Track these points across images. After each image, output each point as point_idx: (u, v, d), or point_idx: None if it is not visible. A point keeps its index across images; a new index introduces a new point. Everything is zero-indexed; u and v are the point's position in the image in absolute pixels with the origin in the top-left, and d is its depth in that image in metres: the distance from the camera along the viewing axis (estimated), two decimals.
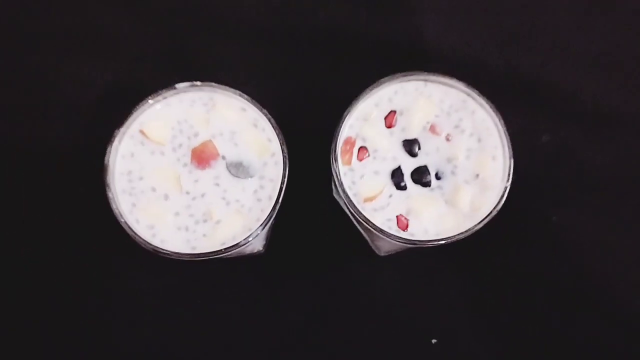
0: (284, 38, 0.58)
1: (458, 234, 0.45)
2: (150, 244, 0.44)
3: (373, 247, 0.54)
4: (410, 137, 0.47)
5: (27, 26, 0.59)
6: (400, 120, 0.47)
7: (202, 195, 0.45)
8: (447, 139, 0.47)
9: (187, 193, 0.45)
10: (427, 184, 0.46)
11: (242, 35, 0.58)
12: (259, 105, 0.47)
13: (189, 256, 0.44)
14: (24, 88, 0.57)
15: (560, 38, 0.59)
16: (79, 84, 0.57)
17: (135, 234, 0.44)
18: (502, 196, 0.45)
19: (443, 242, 0.45)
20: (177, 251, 0.44)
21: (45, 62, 0.58)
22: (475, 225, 0.45)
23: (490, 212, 0.45)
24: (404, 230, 0.45)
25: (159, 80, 0.47)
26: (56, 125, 0.56)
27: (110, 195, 0.44)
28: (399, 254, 0.54)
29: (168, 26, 0.59)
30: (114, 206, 0.44)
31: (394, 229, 0.45)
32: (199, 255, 0.44)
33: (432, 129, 0.47)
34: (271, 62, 0.58)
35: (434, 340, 0.54)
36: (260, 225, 0.45)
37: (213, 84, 0.47)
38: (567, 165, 0.56)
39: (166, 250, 0.44)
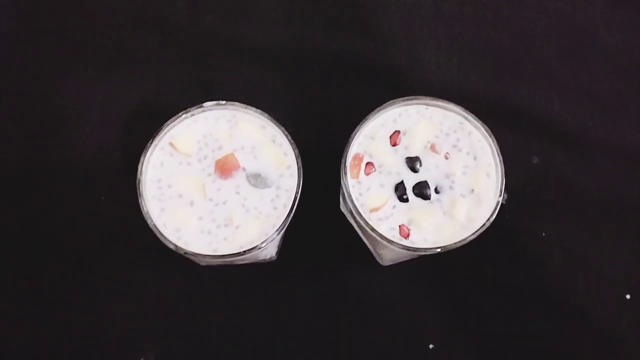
0: (301, 65, 0.62)
1: (454, 243, 0.48)
2: (177, 245, 0.47)
3: (376, 257, 0.57)
4: (412, 154, 0.50)
5: (69, 50, 0.62)
6: (403, 139, 0.50)
7: (224, 202, 0.49)
8: (446, 157, 0.50)
9: (211, 200, 0.49)
10: (427, 197, 0.49)
11: (264, 61, 0.62)
12: (277, 123, 0.50)
13: (210, 257, 0.47)
14: (65, 105, 0.61)
15: (548, 70, 0.62)
16: (116, 102, 0.60)
17: (163, 235, 0.47)
18: (495, 209, 0.48)
19: (440, 250, 0.48)
20: (199, 252, 0.47)
21: (81, 81, 0.61)
22: (470, 235, 0.48)
23: (484, 224, 0.48)
24: (405, 239, 0.48)
25: (188, 99, 0.51)
26: (94, 138, 0.60)
27: (141, 200, 0.48)
28: (401, 263, 0.57)
29: (198, 52, 0.62)
30: (144, 210, 0.48)
31: (396, 237, 0.48)
32: (219, 256, 0.47)
33: (432, 147, 0.50)
34: (289, 85, 0.61)
35: (431, 346, 0.56)
36: (276, 230, 0.48)
37: (236, 103, 0.50)
38: (554, 185, 0.60)
39: (190, 251, 0.47)
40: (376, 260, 0.58)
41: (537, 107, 0.61)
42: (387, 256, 0.55)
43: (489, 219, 0.48)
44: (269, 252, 0.54)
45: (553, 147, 0.61)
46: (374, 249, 0.56)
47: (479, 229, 0.48)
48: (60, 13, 0.63)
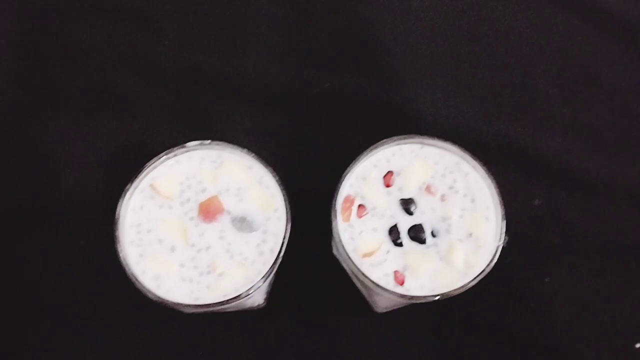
0: (290, 103, 0.61)
1: (452, 290, 0.45)
2: (155, 294, 0.45)
3: (370, 303, 0.55)
4: (407, 196, 0.48)
5: (53, 89, 0.61)
6: (397, 180, 0.49)
7: (207, 248, 0.46)
8: (442, 199, 0.48)
9: (193, 245, 0.46)
10: (422, 242, 0.47)
11: (251, 99, 0.61)
12: (264, 163, 0.48)
13: (192, 307, 0.45)
14: (46, 145, 0.59)
15: (549, 109, 0.61)
16: (99, 142, 0.59)
17: (141, 284, 0.45)
18: (495, 254, 0.46)
19: (437, 297, 0.45)
20: (180, 302, 0.45)
21: (65, 121, 0.60)
22: (469, 282, 0.45)
23: (484, 270, 0.46)
24: (400, 286, 0.46)
25: (171, 139, 0.49)
26: (75, 180, 0.58)
27: (118, 246, 0.45)
28: (396, 310, 0.54)
29: (185, 90, 0.61)
30: (121, 257, 0.45)
31: (391, 284, 0.46)
32: (201, 306, 0.45)
33: (428, 189, 0.48)
34: (277, 124, 0.60)
35: None
36: (262, 278, 0.45)
37: (222, 142, 0.48)
38: (556, 228, 0.58)
39: (170, 301, 0.45)
40: (370, 307, 0.55)
41: (538, 147, 0.60)
42: (381, 303, 0.53)
43: (488, 265, 0.46)
44: (256, 300, 0.52)
45: (555, 188, 0.59)
46: (368, 295, 0.54)
47: (478, 275, 0.46)
48: (44, 50, 0.62)
